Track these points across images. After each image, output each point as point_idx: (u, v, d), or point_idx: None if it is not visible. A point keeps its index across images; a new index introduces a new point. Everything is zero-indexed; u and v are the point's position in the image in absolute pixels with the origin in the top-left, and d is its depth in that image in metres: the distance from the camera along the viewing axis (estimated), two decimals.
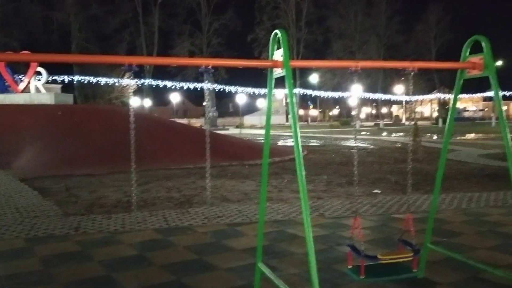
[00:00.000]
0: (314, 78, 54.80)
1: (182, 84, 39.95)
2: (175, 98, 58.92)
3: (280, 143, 27.29)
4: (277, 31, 3.16)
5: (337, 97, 51.08)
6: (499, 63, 60.44)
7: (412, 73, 3.57)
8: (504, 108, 72.55)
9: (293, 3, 44.59)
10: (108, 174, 11.89)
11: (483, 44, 3.57)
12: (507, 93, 48.98)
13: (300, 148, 2.94)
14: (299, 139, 2.97)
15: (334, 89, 50.67)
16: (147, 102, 52.94)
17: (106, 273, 4.63)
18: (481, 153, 17.69)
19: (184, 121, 45.90)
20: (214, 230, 6.19)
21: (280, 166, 13.85)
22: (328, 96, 50.92)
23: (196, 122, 51.69)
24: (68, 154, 13.90)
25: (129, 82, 28.49)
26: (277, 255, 5.09)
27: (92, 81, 34.89)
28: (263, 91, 44.89)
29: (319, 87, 52.82)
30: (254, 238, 5.65)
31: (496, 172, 12.05)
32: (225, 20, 50.40)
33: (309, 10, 45.58)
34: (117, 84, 36.26)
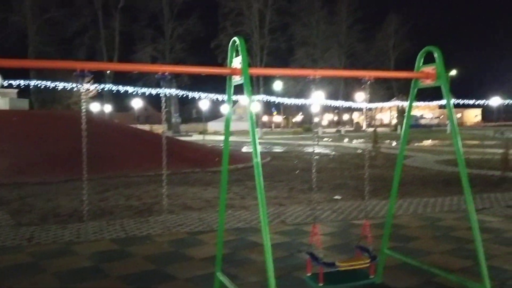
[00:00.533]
0: (277, 85, 55.32)
1: (144, 89, 39.28)
2: (137, 103, 57.91)
3: (245, 149, 27.30)
4: (235, 38, 3.15)
5: (300, 104, 51.78)
6: (453, 72, 63.17)
7: (369, 82, 3.64)
8: (458, 115, 75.51)
9: (256, 10, 44.87)
10: (64, 182, 11.49)
11: (435, 54, 3.68)
12: (461, 101, 51.12)
13: (259, 155, 2.93)
14: (258, 147, 2.96)
15: (297, 96, 51.28)
16: (108, 108, 51.70)
17: (60, 285, 4.45)
18: (437, 159, 18.31)
19: (146, 127, 45.16)
20: (174, 239, 6.08)
21: (243, 173, 13.81)
22: (291, 103, 51.55)
23: (159, 128, 50.96)
24: (23, 161, 13.35)
25: (88, 87, 27.70)
26: (238, 264, 5.05)
27: (50, 86, 33.73)
28: (226, 97, 44.81)
29: (283, 94, 53.34)
30: (215, 246, 5.58)
31: (450, 177, 12.50)
32: (189, 25, 50.06)
33: (272, 18, 46.02)
34: (75, 89, 35.25)
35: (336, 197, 9.57)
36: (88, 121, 3.18)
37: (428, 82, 3.85)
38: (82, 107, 3.16)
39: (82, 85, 3.60)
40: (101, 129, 16.93)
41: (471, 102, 51.66)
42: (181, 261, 5.16)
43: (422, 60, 3.88)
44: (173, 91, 40.73)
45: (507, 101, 52.79)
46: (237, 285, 3.87)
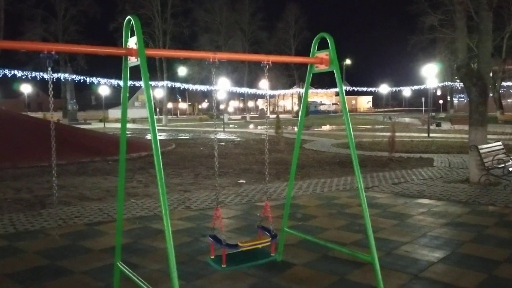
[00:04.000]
0: (182, 71, 54.33)
1: (34, 74, 36.08)
2: (26, 89, 53.04)
3: (149, 137, 26.52)
4: (130, 17, 3.01)
5: (205, 90, 51.45)
6: (347, 61, 67.42)
7: (267, 66, 3.72)
8: (353, 102, 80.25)
9: None
10: None
11: (328, 40, 3.87)
12: (356, 89, 54.74)
13: (158, 142, 2.84)
14: (156, 133, 2.87)
15: (202, 82, 50.87)
16: None
17: None
18: (334, 143, 19.49)
19: (38, 115, 41.60)
20: (70, 232, 5.72)
21: (147, 161, 13.43)
22: (196, 90, 51.01)
23: (53, 116, 47.35)
24: None
25: None
26: (140, 252, 4.91)
27: None
28: (129, 82, 42.83)
29: (187, 80, 52.54)
30: (115, 236, 5.38)
31: (345, 159, 13.38)
32: (83, 6, 46.84)
33: (174, 2, 44.84)
34: None
35: (241, 181, 9.74)
36: None
37: (322, 67, 4.04)
38: None
39: None
40: None
41: (364, 89, 55.53)
42: (78, 254, 4.88)
43: (316, 46, 4.06)
44: (68, 76, 37.93)
45: (394, 89, 57.68)
46: (139, 274, 3.77)
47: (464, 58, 9.20)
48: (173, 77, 52.29)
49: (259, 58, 3.73)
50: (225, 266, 3.43)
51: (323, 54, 3.97)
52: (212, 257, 3.57)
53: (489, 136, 9.95)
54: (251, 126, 39.50)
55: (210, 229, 3.66)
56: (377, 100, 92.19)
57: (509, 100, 48.76)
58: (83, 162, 12.70)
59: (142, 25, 2.97)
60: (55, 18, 47.10)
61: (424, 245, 5.15)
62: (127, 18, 3.07)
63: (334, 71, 3.89)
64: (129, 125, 44.56)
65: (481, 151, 8.62)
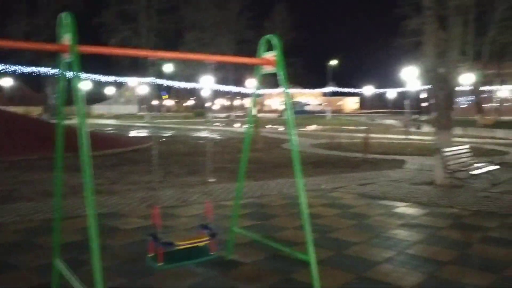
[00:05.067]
0: (168, 68, 54.05)
1: (16, 67, 35.64)
2: (7, 83, 52.24)
3: (133, 133, 26.50)
4: (62, 14, 3.00)
5: (192, 88, 51.29)
6: (335, 62, 67.66)
7: (213, 66, 3.74)
8: (340, 103, 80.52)
9: None
10: None
11: (273, 43, 3.90)
12: (341, 90, 55.08)
13: (86, 142, 2.84)
14: (85, 132, 2.88)
15: (188, 80, 50.65)
16: None
17: None
18: (313, 143, 19.60)
19: (20, 109, 41.03)
20: (25, 227, 5.68)
21: (121, 157, 13.37)
22: (182, 87, 50.82)
23: (35, 111, 46.79)
24: None
25: None
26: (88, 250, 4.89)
27: None
28: (111, 78, 42.64)
29: (173, 77, 52.27)
30: (70, 234, 5.37)
31: (320, 159, 13.48)
32: (67, 1, 46.25)
33: None
34: None
35: (211, 179, 9.75)
36: None
37: (270, 69, 4.07)
38: None
39: None
40: None
41: (348, 90, 55.93)
42: (28, 250, 4.86)
43: (263, 48, 4.08)
44: (48, 70, 37.49)
45: (379, 90, 58.23)
46: (84, 272, 3.77)
47: (432, 63, 9.33)
48: (158, 73, 51.99)
49: (203, 58, 3.75)
50: (161, 264, 3.45)
51: (269, 56, 4.01)
52: (151, 255, 3.58)
53: (464, 139, 10.12)
54: (237, 124, 39.48)
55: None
56: (364, 102, 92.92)
57: (494, 104, 49.56)
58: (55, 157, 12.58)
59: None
60: (38, 12, 46.50)
61: (375, 245, 5.22)
62: (62, 14, 3.06)
63: (280, 72, 3.93)
64: (112, 122, 44.29)
65: (446, 154, 8.76)
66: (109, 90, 68.36)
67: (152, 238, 3.56)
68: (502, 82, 50.73)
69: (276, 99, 76.53)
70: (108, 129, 31.51)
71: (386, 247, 5.16)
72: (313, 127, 36.01)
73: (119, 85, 62.80)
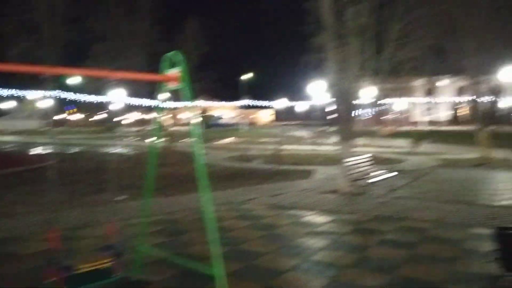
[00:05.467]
0: (75, 80, 51.27)
1: None
2: None
3: (36, 150, 24.71)
4: None
5: (101, 102, 49.09)
6: (250, 75, 69.17)
7: (115, 82, 3.68)
8: (255, 115, 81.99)
9: None
10: None
11: (178, 59, 3.94)
12: (254, 103, 56.29)
13: None
14: None
15: (98, 93, 48.43)
16: None
17: None
18: (227, 156, 19.78)
19: None
20: None
21: (20, 177, 12.40)
22: (92, 101, 48.46)
23: None
24: None
25: None
26: None
27: None
28: (10, 92, 39.37)
29: (81, 90, 49.67)
30: None
31: (233, 172, 13.65)
32: None
33: (66, 7, 42.22)
34: None
35: (120, 197, 9.41)
36: None
37: (174, 85, 4.10)
38: None
39: None
40: None
41: (264, 103, 57.39)
42: None
43: (166, 64, 4.11)
44: None
45: (290, 103, 60.52)
46: None
47: (334, 78, 9.97)
48: (63, 87, 49.13)
49: (104, 74, 3.69)
50: None
51: (173, 72, 4.04)
52: (50, 280, 3.40)
53: (366, 149, 10.86)
54: (149, 139, 38.45)
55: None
56: (279, 114, 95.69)
57: (393, 116, 53.85)
58: None
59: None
60: None
61: (282, 254, 5.42)
62: None
63: (183, 88, 3.97)
64: (11, 138, 40.81)
65: (348, 163, 9.37)
66: (8, 105, 63.17)
67: (48, 263, 3.39)
68: (400, 95, 55.46)
69: (189, 113, 76.00)
70: (7, 146, 29.06)
71: (292, 255, 5.37)
72: (228, 140, 36.33)
73: (19, 99, 58.36)
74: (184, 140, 32.88)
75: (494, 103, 21.04)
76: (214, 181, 11.86)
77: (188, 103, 4.06)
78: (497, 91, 19.59)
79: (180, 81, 4.00)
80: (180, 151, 21.53)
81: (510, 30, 15.72)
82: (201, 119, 66.11)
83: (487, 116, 17.26)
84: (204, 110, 63.84)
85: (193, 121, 4.09)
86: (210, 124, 61.59)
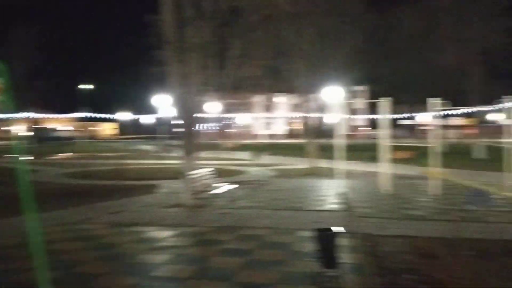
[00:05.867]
0: None
1: None
2: None
3: None
4: None
5: None
6: (90, 86, 65.06)
7: None
8: (95, 128, 77.54)
9: None
10: None
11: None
12: (96, 115, 53.15)
13: None
14: None
15: None
16: None
17: None
18: (63, 172, 18.24)
19: None
20: None
21: None
22: None
23: None
24: None
25: None
26: None
27: None
28: None
29: None
30: None
31: (73, 190, 12.67)
32: None
33: None
34: None
35: None
36: None
37: None
38: None
39: None
40: None
41: (105, 116, 54.56)
42: None
43: None
44: None
45: (134, 116, 58.79)
46: None
47: (176, 92, 10.07)
48: None
49: None
50: None
51: None
52: None
53: (209, 162, 11.12)
54: None
55: None
56: (125, 127, 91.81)
57: (236, 130, 56.53)
58: None
59: None
60: None
61: (121, 274, 5.22)
62: None
63: (5, 99, 3.59)
64: None
65: (191, 176, 9.52)
66: None
67: None
68: (242, 111, 58.59)
69: (18, 125, 67.96)
70: None
71: (132, 273, 5.22)
72: (65, 154, 33.45)
73: None
74: (9, 155, 29.21)
75: (321, 119, 23.78)
76: (46, 201, 10.84)
77: (12, 116, 3.67)
78: (322, 108, 22.12)
79: (2, 92, 3.61)
80: (5, 167, 19.11)
81: (331, 54, 18.08)
82: (32, 132, 59.61)
83: (315, 130, 19.40)
84: (35, 122, 57.77)
85: (19, 134, 3.72)
86: (43, 138, 55.86)
